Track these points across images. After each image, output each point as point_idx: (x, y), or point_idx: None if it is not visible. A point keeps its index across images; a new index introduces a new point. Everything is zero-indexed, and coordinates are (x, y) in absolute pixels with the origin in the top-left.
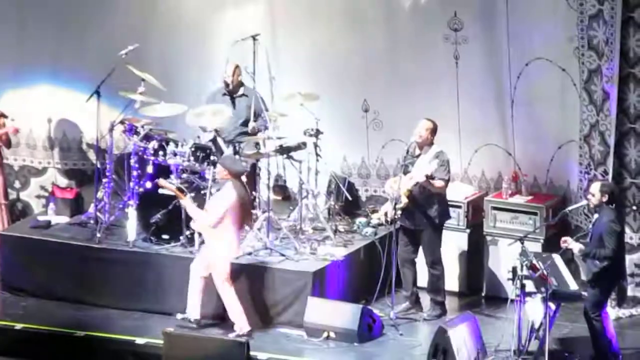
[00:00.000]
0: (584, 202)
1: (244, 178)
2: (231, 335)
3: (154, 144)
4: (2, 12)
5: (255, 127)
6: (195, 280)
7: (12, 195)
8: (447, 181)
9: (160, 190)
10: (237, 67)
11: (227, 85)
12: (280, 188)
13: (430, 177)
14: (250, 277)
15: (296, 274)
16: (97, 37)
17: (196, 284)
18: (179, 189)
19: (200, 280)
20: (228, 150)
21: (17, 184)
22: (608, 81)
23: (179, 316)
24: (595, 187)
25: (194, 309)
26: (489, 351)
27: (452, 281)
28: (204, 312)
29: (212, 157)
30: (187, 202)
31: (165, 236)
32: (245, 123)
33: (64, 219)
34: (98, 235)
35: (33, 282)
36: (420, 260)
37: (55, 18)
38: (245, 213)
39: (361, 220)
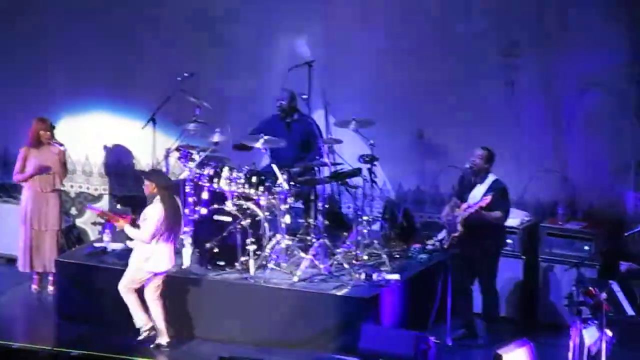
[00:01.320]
0: None
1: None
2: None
3: (209, 171)
4: (60, 40)
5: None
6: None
7: (69, 222)
8: (507, 211)
9: (216, 217)
10: (292, 93)
11: (282, 111)
12: (335, 214)
13: (485, 209)
14: (305, 304)
15: (351, 300)
16: (152, 65)
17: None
18: (104, 212)
19: (133, 294)
20: (283, 177)
21: (73, 211)
22: None
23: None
24: None
25: (143, 321)
26: None
27: (507, 307)
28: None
29: (267, 184)
30: (122, 225)
31: (220, 262)
32: (300, 149)
33: (119, 246)
34: None
35: (88, 309)
36: (476, 286)
37: (111, 46)
38: (174, 226)
39: (416, 246)
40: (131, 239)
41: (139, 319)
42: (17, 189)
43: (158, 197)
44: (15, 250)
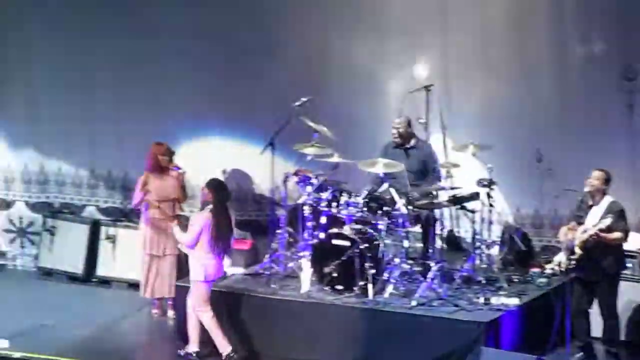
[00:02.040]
0: None
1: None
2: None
3: (327, 195)
4: (177, 68)
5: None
6: (189, 313)
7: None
8: (626, 232)
9: (335, 241)
10: (408, 119)
11: (399, 137)
12: (453, 239)
13: (604, 231)
14: (424, 328)
15: (470, 324)
16: (270, 90)
17: (191, 317)
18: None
19: (193, 312)
20: (401, 201)
21: None
22: None
23: (181, 352)
24: None
25: (192, 343)
26: None
27: (627, 332)
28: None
29: (385, 208)
30: (172, 225)
31: (339, 286)
32: (418, 174)
33: (239, 270)
34: (273, 286)
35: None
36: (595, 309)
37: (228, 69)
38: (222, 238)
39: (535, 270)
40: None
41: (223, 345)
42: (137, 214)
43: (210, 206)
44: (135, 275)
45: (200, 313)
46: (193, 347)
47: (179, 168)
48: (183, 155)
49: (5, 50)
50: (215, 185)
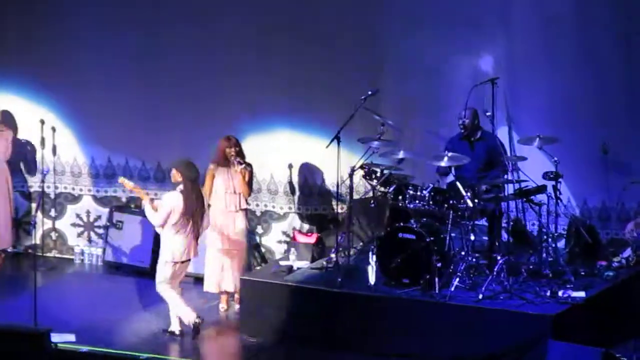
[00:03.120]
0: None
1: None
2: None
3: (393, 189)
4: (243, 61)
5: (486, 185)
6: (168, 293)
7: (254, 240)
8: None
9: (400, 235)
10: (475, 111)
11: (465, 129)
12: (520, 232)
13: None
14: (490, 321)
15: (537, 317)
16: (334, 83)
17: (172, 296)
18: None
19: (171, 290)
20: (467, 194)
21: (259, 230)
22: None
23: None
24: None
25: (191, 316)
26: None
27: None
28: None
29: (451, 202)
30: (145, 203)
31: (405, 280)
32: (484, 167)
33: (305, 264)
34: (339, 279)
35: (273, 326)
36: None
37: (291, 62)
38: (194, 217)
39: (602, 263)
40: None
41: (187, 315)
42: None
43: (181, 186)
44: (202, 269)
45: (161, 290)
46: (191, 316)
47: (241, 163)
48: (249, 149)
49: (77, 51)
50: (182, 165)
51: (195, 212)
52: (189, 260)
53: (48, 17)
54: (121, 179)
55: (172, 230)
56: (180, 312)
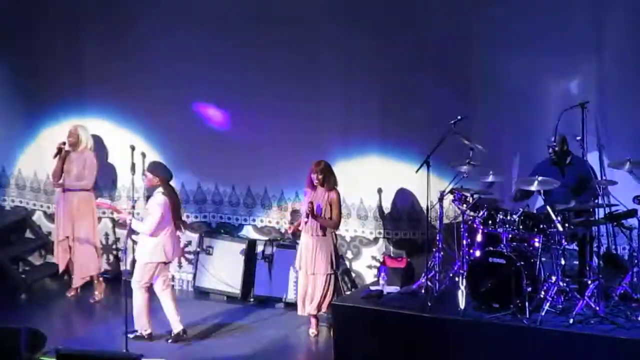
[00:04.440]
0: None
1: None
2: (130, 336)
3: (483, 213)
4: (333, 87)
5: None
6: (140, 293)
7: (344, 265)
8: None
9: (490, 259)
10: (564, 137)
11: (555, 154)
12: (610, 256)
13: None
14: (582, 347)
15: (629, 342)
16: (424, 107)
17: (143, 298)
18: (110, 206)
19: (146, 292)
20: (558, 219)
21: (349, 254)
22: None
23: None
24: None
25: (144, 326)
26: None
27: None
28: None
29: (541, 226)
30: (125, 217)
31: (495, 304)
32: (574, 191)
33: (395, 289)
34: (429, 304)
35: (364, 350)
36: None
37: (381, 88)
38: (176, 216)
39: None
40: (136, 233)
41: (142, 323)
42: (295, 233)
43: (160, 189)
44: (292, 294)
45: (139, 289)
46: (177, 326)
47: (331, 189)
48: (340, 174)
49: (165, 79)
50: (157, 168)
51: (178, 210)
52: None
53: (143, 47)
54: (98, 201)
55: (162, 232)
56: (142, 318)
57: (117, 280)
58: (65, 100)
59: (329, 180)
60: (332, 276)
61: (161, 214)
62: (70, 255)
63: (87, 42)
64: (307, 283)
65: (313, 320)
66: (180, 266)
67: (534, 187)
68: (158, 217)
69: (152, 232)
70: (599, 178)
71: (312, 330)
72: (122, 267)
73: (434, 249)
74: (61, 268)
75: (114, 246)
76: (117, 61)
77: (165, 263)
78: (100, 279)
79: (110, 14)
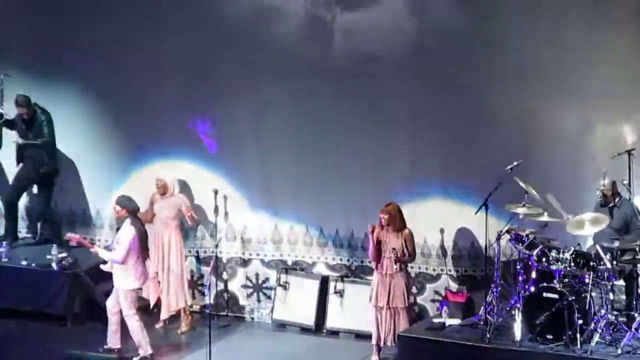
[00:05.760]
0: None
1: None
2: (135, 359)
3: (537, 251)
4: (397, 135)
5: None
6: (111, 316)
7: (410, 299)
8: None
9: (545, 294)
10: (613, 182)
11: (604, 197)
12: None
13: None
14: None
15: None
16: (483, 152)
17: (113, 319)
18: (79, 241)
19: (115, 315)
20: (607, 257)
21: (414, 289)
22: None
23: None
24: None
25: (114, 340)
26: None
27: None
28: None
29: (591, 263)
30: (96, 250)
31: (549, 336)
32: (621, 231)
33: (456, 321)
34: (487, 335)
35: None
36: None
37: (442, 135)
38: (143, 245)
39: None
40: (105, 263)
41: (145, 347)
42: (365, 270)
43: (128, 220)
44: (361, 326)
45: (129, 318)
46: (115, 344)
47: (400, 229)
48: (405, 214)
49: (238, 116)
50: (125, 200)
51: (145, 240)
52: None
53: (223, 102)
54: (67, 235)
55: (133, 259)
56: (142, 342)
57: (200, 313)
58: (149, 145)
59: (394, 220)
60: (407, 309)
61: (129, 243)
62: (160, 291)
63: (168, 97)
64: (382, 316)
65: (376, 349)
66: (259, 301)
67: (585, 232)
68: (126, 246)
69: (122, 260)
70: None
71: (375, 358)
72: (207, 302)
73: (492, 285)
74: (152, 302)
75: (198, 282)
76: (194, 111)
77: (139, 288)
78: (187, 312)
79: (190, 70)
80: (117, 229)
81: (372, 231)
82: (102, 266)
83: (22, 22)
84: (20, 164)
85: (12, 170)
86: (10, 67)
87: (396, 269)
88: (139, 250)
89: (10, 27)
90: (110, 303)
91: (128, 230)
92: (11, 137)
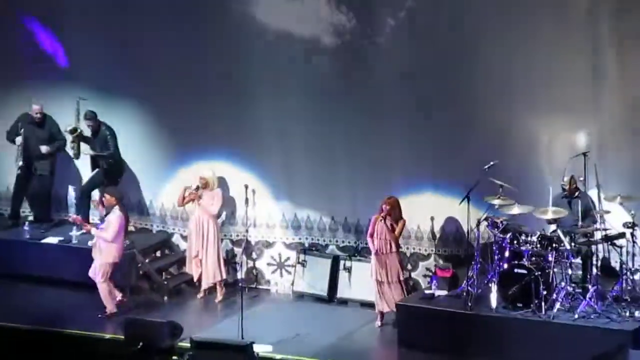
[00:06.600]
0: None
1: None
2: (100, 315)
3: (510, 235)
4: (401, 135)
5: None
6: (108, 283)
7: (406, 275)
8: None
9: (516, 270)
10: (572, 177)
11: (564, 190)
12: (606, 267)
13: None
14: (584, 336)
15: (619, 332)
16: (466, 154)
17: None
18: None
19: (100, 284)
20: (566, 239)
21: (409, 267)
22: None
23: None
24: None
25: (111, 305)
26: None
27: None
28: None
29: (554, 245)
30: (90, 228)
31: (519, 304)
32: (579, 219)
33: (444, 292)
34: (469, 304)
35: (423, 340)
36: None
37: (434, 141)
38: (126, 228)
39: None
40: (92, 239)
41: (110, 306)
42: (369, 250)
43: (117, 207)
44: (364, 296)
45: (99, 284)
46: (113, 308)
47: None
48: (403, 205)
49: (260, 119)
50: (113, 190)
51: (127, 223)
52: None
53: (254, 109)
54: (72, 217)
55: (119, 239)
56: (109, 301)
57: (233, 285)
58: (195, 146)
59: (394, 211)
60: (403, 283)
61: (119, 225)
62: (201, 268)
63: (216, 105)
64: (382, 288)
65: (379, 316)
66: (281, 276)
67: (547, 217)
68: (117, 228)
69: (113, 239)
70: (598, 209)
71: (378, 323)
72: (239, 276)
73: (473, 262)
74: (195, 278)
75: (232, 260)
76: (230, 120)
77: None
78: (222, 284)
79: (230, 85)
80: (106, 214)
81: (375, 221)
82: (89, 242)
83: (91, 54)
84: (96, 169)
85: (86, 173)
86: (83, 91)
87: (387, 250)
88: (125, 230)
89: (84, 58)
90: (92, 273)
91: (118, 217)
92: (84, 150)
